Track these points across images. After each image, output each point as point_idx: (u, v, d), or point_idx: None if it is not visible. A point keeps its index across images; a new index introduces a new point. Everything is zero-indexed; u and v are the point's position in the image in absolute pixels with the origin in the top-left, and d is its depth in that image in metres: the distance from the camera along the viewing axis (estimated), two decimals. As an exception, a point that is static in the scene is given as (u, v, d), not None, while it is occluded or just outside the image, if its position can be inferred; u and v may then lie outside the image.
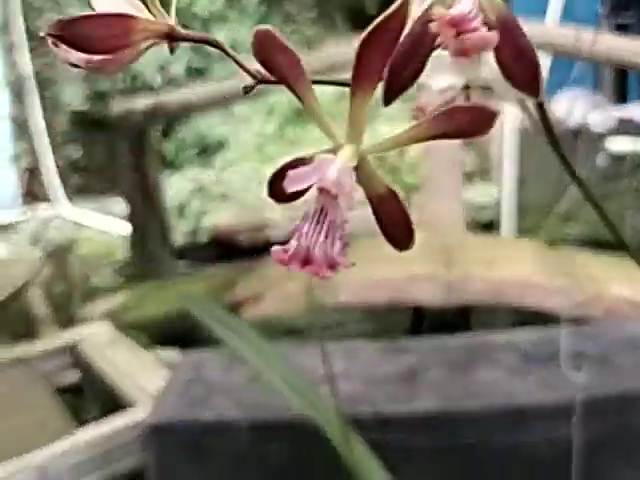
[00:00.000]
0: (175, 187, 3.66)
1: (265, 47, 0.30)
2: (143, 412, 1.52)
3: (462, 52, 0.29)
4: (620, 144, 2.80)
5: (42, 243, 2.42)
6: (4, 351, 2.12)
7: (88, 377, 2.00)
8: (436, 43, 0.32)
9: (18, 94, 4.59)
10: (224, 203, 3.59)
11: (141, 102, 2.88)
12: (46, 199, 3.98)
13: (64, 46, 0.33)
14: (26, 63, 4.46)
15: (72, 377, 2.05)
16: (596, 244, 2.17)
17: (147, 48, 0.36)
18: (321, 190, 0.30)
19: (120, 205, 3.15)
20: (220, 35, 4.50)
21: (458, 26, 0.29)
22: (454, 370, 1.33)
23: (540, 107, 0.47)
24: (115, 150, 3.11)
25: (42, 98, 4.45)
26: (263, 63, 0.31)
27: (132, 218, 2.87)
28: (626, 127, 2.84)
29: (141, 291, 2.55)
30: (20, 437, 1.68)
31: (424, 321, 2.26)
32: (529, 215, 3.13)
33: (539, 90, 0.33)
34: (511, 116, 2.96)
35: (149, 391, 1.71)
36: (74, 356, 2.06)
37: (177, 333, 2.09)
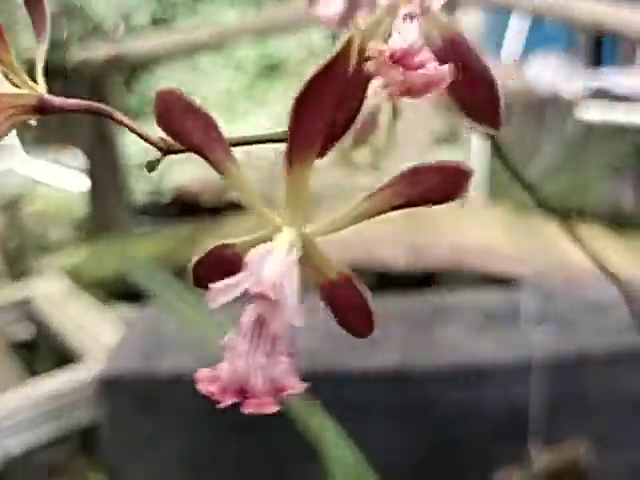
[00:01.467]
0: (138, 143, 3.60)
1: (170, 112, 0.25)
2: (96, 366, 1.52)
3: (409, 93, 0.24)
4: (592, 112, 2.83)
5: None
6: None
7: (42, 332, 1.98)
8: (374, 85, 0.26)
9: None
10: (187, 162, 3.55)
11: (101, 51, 2.82)
12: None
13: None
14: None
15: (26, 332, 2.04)
16: (563, 213, 2.21)
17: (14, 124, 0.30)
18: (257, 296, 0.24)
19: (78, 158, 3.09)
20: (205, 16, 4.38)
21: (402, 62, 0.24)
22: (415, 328, 1.36)
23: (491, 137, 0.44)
24: (73, 98, 3.04)
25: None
26: (169, 132, 0.26)
27: (91, 173, 2.82)
28: (599, 94, 2.87)
29: (99, 247, 2.53)
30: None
31: (388, 283, 2.30)
32: (497, 183, 3.17)
33: (499, 122, 0.28)
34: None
35: (103, 346, 1.71)
36: (28, 310, 2.04)
37: (133, 289, 2.09)
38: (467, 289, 2.13)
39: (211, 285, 0.24)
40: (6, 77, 0.30)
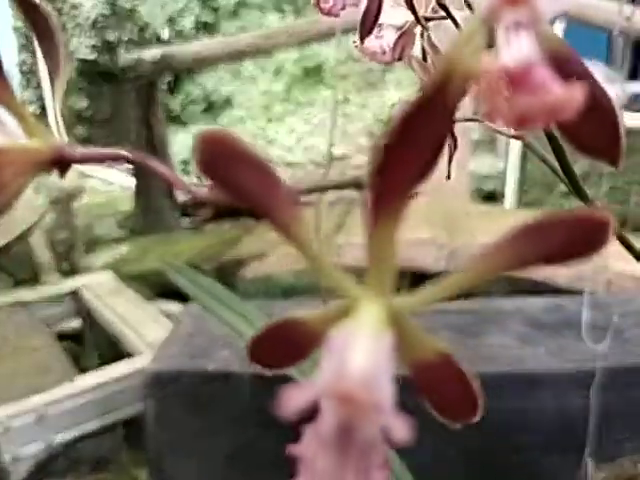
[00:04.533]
0: (180, 143, 3.60)
1: (218, 162, 0.18)
2: (143, 361, 1.50)
3: (525, 122, 0.17)
4: (630, 120, 2.74)
5: (46, 190, 2.38)
6: (6, 295, 2.09)
7: (89, 325, 1.97)
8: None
9: (25, 41, 4.48)
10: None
11: (149, 54, 2.80)
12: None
13: None
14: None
15: (73, 324, 2.03)
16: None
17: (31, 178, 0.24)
18: (342, 398, 0.17)
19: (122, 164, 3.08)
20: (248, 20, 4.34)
21: (517, 83, 0.17)
22: (461, 335, 1.30)
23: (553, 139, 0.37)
24: (121, 102, 3.03)
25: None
26: (217, 186, 0.19)
27: (137, 171, 2.82)
28: (637, 103, 2.78)
29: (144, 243, 2.52)
30: (20, 381, 1.66)
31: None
32: (533, 189, 3.09)
33: (619, 156, 0.22)
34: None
35: (149, 340, 1.69)
36: (76, 303, 2.03)
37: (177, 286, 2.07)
38: (503, 292, 2.07)
39: (285, 394, 0.17)
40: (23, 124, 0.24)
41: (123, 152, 0.25)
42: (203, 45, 2.90)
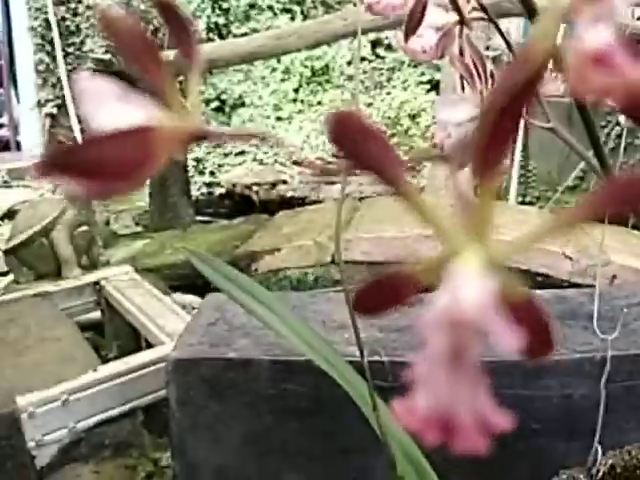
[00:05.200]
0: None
1: (348, 138, 0.23)
2: (163, 351, 1.53)
3: (604, 96, 0.20)
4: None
5: None
6: (29, 287, 2.12)
7: (109, 316, 2.01)
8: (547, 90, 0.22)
9: (41, 41, 4.52)
10: (239, 159, 3.56)
11: (162, 55, 2.83)
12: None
13: (66, 177, 0.23)
14: (49, 10, 4.38)
15: (94, 316, 2.07)
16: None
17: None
18: (456, 323, 0.21)
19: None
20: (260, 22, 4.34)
21: (602, 62, 0.20)
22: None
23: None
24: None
25: (65, 46, 4.38)
26: (346, 155, 0.23)
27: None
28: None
29: (160, 239, 2.55)
30: (44, 370, 1.69)
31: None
32: (538, 185, 3.11)
33: None
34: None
35: (168, 331, 1.73)
36: (96, 296, 2.07)
37: (193, 279, 2.10)
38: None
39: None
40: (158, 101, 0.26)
41: (255, 131, 0.28)
42: (215, 47, 2.93)
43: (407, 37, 0.43)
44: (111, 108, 0.25)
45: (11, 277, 2.33)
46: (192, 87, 0.28)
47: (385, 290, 0.26)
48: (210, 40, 3.90)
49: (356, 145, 0.23)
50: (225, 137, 0.28)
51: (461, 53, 0.45)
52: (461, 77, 0.45)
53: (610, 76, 0.20)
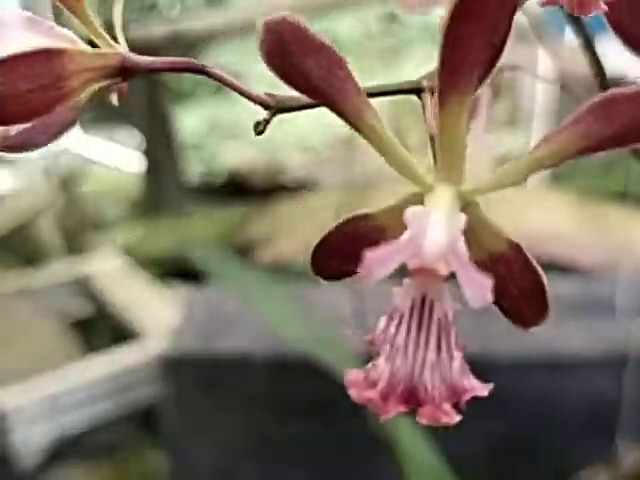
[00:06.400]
0: (190, 124, 3.57)
1: (284, 48, 0.18)
2: (155, 344, 1.48)
3: (583, 6, 0.20)
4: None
5: (53, 174, 2.38)
6: (14, 281, 2.08)
7: (100, 309, 1.96)
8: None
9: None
10: (238, 143, 3.51)
11: (158, 30, 2.78)
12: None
13: None
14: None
15: (83, 309, 2.02)
16: (633, 199, 2.09)
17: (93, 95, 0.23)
18: (420, 271, 0.18)
19: (134, 138, 3.08)
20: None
21: None
22: (488, 315, 1.26)
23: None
24: (130, 82, 3.00)
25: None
26: (283, 76, 0.19)
27: (146, 152, 2.81)
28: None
29: (154, 226, 2.51)
30: (30, 367, 1.64)
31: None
32: (560, 167, 3.03)
33: None
34: (545, 65, 2.83)
35: (161, 323, 1.68)
36: (86, 288, 2.03)
37: (187, 268, 2.07)
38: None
39: (366, 254, 0.17)
40: (82, 37, 0.24)
41: (191, 61, 0.24)
42: (213, 20, 2.88)
43: None
44: (18, 36, 0.22)
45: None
46: (117, 19, 0.26)
47: (344, 244, 0.22)
48: (211, 10, 3.83)
49: (297, 61, 0.19)
50: (156, 68, 0.24)
51: None
52: None
53: None
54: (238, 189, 3.12)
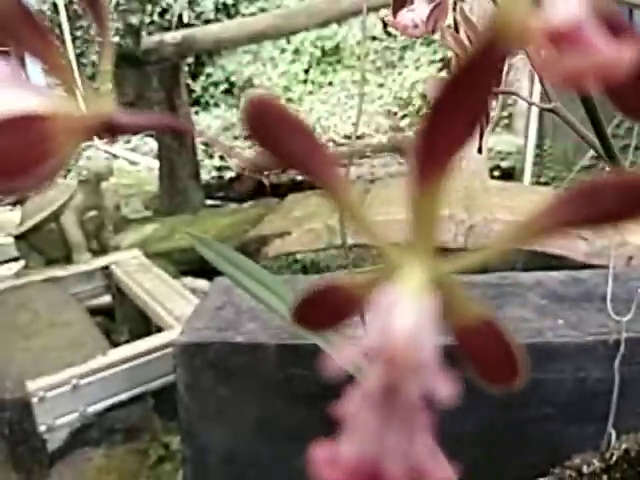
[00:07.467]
0: (202, 125, 3.62)
1: (267, 124, 0.19)
2: (172, 334, 1.53)
3: (572, 80, 0.17)
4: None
5: (76, 170, 2.40)
6: (39, 272, 2.14)
7: (119, 301, 2.02)
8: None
9: (49, 25, 4.51)
10: (249, 142, 3.55)
11: (171, 36, 2.81)
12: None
13: None
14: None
15: (104, 300, 2.08)
16: None
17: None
18: (387, 359, 0.17)
19: (147, 144, 3.11)
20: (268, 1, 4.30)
21: (566, 40, 0.17)
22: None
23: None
24: (145, 85, 3.06)
25: (73, 30, 4.38)
26: (264, 146, 0.20)
27: (162, 152, 2.84)
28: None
29: (170, 223, 2.55)
30: (54, 354, 1.71)
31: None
32: (553, 166, 3.07)
33: None
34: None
35: (177, 315, 1.73)
36: (106, 280, 2.08)
37: (205, 265, 2.10)
38: (525, 269, 2.07)
39: (328, 356, 0.18)
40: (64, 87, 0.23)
41: (169, 119, 0.24)
42: (223, 27, 2.91)
43: (395, 11, 0.40)
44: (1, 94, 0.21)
45: (22, 262, 2.35)
46: (104, 70, 0.24)
47: (325, 304, 0.22)
48: (218, 20, 3.87)
49: (275, 134, 0.19)
50: (141, 127, 0.24)
51: (456, 29, 0.41)
52: (456, 55, 0.41)
53: (580, 56, 0.17)
54: (251, 187, 3.16)
